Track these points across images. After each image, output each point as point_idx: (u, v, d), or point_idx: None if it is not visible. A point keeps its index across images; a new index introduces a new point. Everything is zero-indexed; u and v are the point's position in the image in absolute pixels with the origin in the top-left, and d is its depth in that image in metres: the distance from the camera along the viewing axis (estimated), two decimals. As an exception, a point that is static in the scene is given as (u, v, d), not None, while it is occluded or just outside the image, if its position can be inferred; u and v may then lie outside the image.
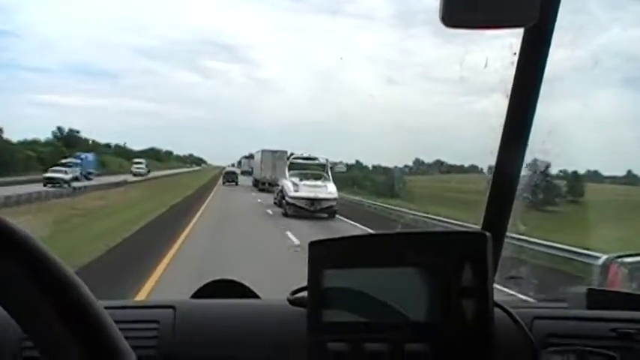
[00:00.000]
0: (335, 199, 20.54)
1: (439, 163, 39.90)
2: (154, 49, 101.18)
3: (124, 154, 64.34)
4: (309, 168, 24.36)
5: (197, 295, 1.35)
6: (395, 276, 0.83)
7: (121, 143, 70.60)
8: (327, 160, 22.80)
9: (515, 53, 1.14)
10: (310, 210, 20.07)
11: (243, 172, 55.35)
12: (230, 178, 43.88)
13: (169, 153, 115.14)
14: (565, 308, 1.32)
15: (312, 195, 20.16)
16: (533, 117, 1.19)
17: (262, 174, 38.31)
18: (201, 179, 47.23)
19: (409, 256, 0.82)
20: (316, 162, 24.15)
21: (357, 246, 0.90)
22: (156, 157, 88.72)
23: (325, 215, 20.13)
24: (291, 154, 28.63)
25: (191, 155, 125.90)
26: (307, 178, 22.13)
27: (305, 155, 24.30)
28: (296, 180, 21.36)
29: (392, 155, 33.34)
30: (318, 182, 21.39)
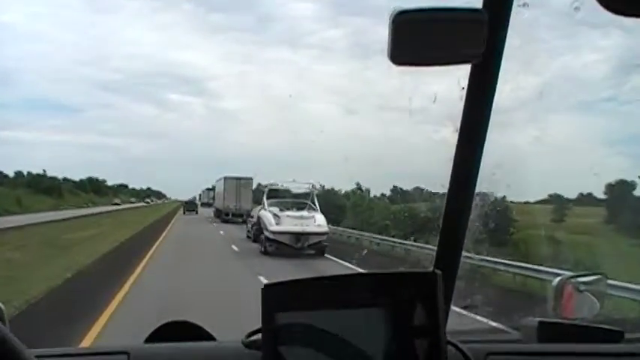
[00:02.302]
0: (325, 234, 16.94)
1: (419, 190, 37.17)
2: (113, 82, 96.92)
3: (37, 185, 47.79)
4: (290, 196, 20.75)
5: (151, 338, 1.31)
6: (348, 317, 0.83)
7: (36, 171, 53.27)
8: (312, 185, 19.20)
9: (463, 88, 1.12)
10: (296, 247, 16.41)
11: (203, 204, 58.78)
12: (190, 207, 49.79)
13: (124, 186, 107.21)
14: (518, 342, 1.32)
15: (297, 229, 16.50)
16: (481, 152, 1.16)
17: (225, 203, 34.34)
18: (131, 227, 25.80)
19: (362, 298, 0.82)
20: (299, 189, 20.52)
21: (310, 288, 0.90)
22: (95, 189, 77.43)
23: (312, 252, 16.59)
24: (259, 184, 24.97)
25: (149, 189, 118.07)
26: (289, 208, 18.51)
27: (286, 181, 20.51)
28: (276, 210, 17.70)
29: (365, 183, 29.95)
30: (304, 213, 17.76)
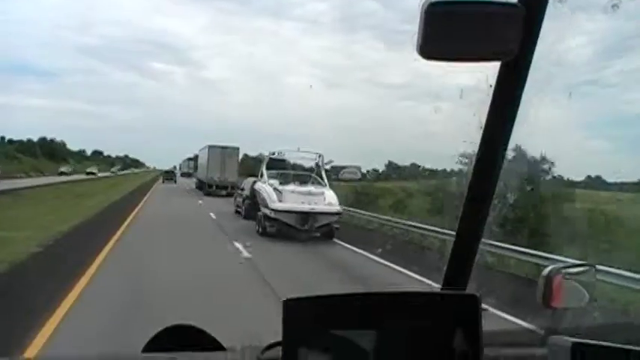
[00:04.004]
0: (338, 214, 14.18)
1: (415, 167, 34.86)
2: (95, 48, 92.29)
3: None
4: (293, 168, 17.78)
5: (150, 346, 1.13)
6: (381, 338, 0.78)
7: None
8: (319, 155, 16.22)
9: (491, 85, 1.09)
10: (303, 229, 13.61)
11: (183, 174, 56.65)
12: (168, 176, 49.72)
13: (99, 153, 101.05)
14: None
15: (305, 207, 13.76)
16: (505, 150, 1.13)
17: (209, 174, 31.26)
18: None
19: (396, 318, 0.77)
20: (303, 159, 17.54)
21: (337, 305, 0.86)
22: (48, 153, 59.25)
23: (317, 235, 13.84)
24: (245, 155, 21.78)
25: (126, 156, 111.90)
26: (292, 182, 15.60)
27: (289, 150, 17.39)
28: (276, 184, 14.80)
29: (357, 158, 26.85)
30: (311, 188, 14.97)
